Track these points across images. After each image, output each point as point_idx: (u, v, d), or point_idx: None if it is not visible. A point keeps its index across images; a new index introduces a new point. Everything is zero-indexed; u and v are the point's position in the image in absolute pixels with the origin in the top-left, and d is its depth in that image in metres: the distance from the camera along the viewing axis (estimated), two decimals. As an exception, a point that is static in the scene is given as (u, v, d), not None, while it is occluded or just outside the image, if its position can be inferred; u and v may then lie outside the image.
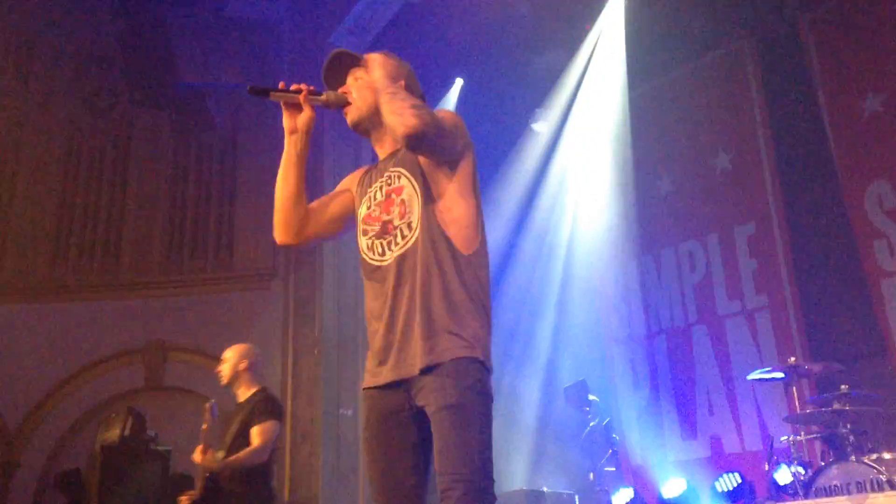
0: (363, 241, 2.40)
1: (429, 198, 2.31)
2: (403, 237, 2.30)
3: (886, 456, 4.20)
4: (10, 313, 7.84)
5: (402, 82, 2.41)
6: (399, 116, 2.21)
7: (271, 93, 2.38)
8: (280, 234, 2.49)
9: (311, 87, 2.43)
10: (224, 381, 4.62)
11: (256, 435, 4.31)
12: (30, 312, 7.88)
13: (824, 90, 6.75)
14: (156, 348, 7.95)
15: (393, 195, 2.36)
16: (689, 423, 6.99)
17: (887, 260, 6.12)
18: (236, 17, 7.74)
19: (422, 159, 2.34)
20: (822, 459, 4.63)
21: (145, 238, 8.38)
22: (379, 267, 2.34)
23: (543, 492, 6.44)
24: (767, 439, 5.29)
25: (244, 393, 4.58)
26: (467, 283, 2.26)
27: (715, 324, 7.05)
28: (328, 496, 7.00)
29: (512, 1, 7.29)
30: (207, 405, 4.45)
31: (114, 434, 6.39)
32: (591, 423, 6.33)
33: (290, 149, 2.46)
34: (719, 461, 6.60)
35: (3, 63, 8.57)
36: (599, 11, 7.64)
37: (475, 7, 7.30)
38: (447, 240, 2.27)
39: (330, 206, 2.54)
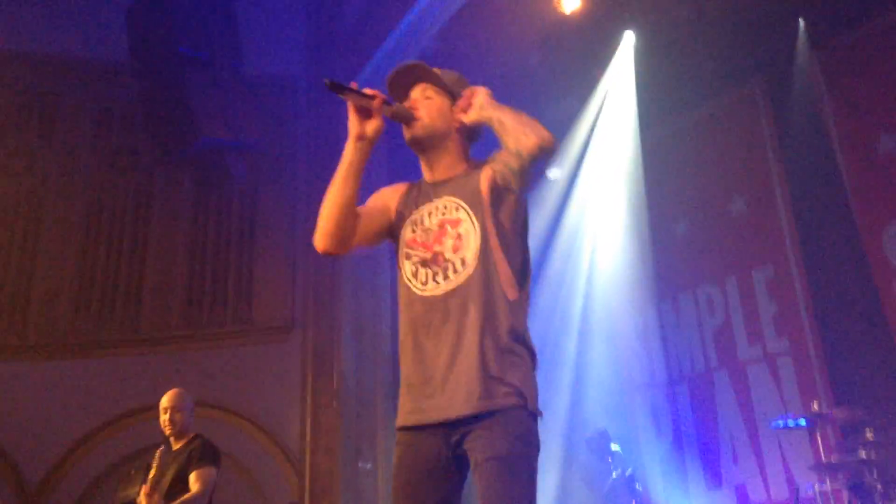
0: (407, 266, 2.33)
1: (487, 236, 2.26)
2: (455, 272, 2.24)
3: (915, 505, 4.12)
4: (33, 370, 7.90)
5: None
6: (534, 128, 2.20)
7: (346, 91, 2.26)
8: (325, 242, 2.33)
9: (385, 96, 2.34)
10: (177, 428, 4.62)
11: (195, 480, 4.33)
12: (51, 369, 7.92)
13: (838, 130, 6.75)
14: (176, 403, 7.95)
15: (448, 226, 2.30)
16: (713, 473, 6.88)
17: (907, 301, 6.05)
18: (254, 74, 7.90)
19: (487, 195, 2.29)
20: (850, 509, 4.54)
21: (165, 293, 8.45)
22: (423, 297, 2.26)
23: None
24: (793, 489, 5.20)
25: (180, 438, 4.60)
26: (517, 328, 2.22)
27: (736, 369, 6.97)
28: (349, 551, 6.92)
29: (523, 52, 7.40)
30: (158, 451, 4.44)
31: (134, 490, 6.38)
32: (614, 474, 6.24)
33: (353, 155, 2.32)
34: (745, 511, 6.49)
35: (27, 122, 8.76)
36: (610, 58, 7.70)
37: (487, 58, 7.40)
38: (500, 282, 2.23)
39: (376, 218, 2.42)
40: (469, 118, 2.35)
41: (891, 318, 6.11)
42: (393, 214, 2.43)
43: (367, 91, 2.30)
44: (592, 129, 8.00)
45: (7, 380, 7.79)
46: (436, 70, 2.46)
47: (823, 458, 4.71)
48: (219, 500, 7.29)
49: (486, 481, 2.06)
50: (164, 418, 4.66)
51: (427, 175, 2.45)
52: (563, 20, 6.85)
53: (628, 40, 7.52)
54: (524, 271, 2.32)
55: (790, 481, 6.17)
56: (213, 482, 4.43)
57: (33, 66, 8.83)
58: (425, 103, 2.39)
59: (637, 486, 6.28)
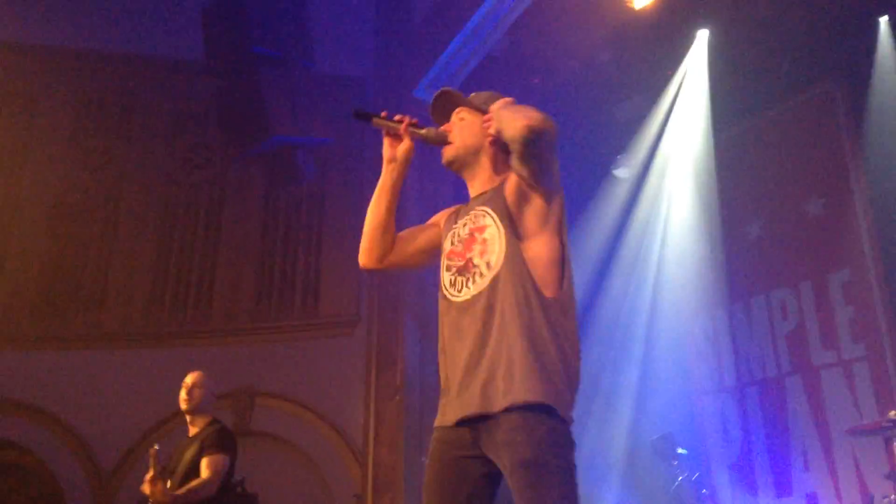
0: (445, 277, 2.41)
1: (514, 238, 2.29)
2: (481, 276, 2.30)
3: None
4: (109, 358, 8.19)
5: None
6: (524, 112, 2.24)
7: (374, 119, 2.45)
8: (364, 258, 2.57)
9: (414, 120, 2.49)
10: (193, 403, 4.59)
11: (206, 467, 4.33)
12: (126, 358, 8.20)
13: (920, 132, 6.51)
14: (244, 393, 8.14)
15: (476, 234, 2.37)
16: (783, 480, 6.68)
17: None
18: (324, 73, 8.02)
19: (511, 196, 2.34)
20: (928, 521, 4.37)
21: (236, 286, 8.66)
22: (455, 303, 2.33)
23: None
24: (867, 498, 5.03)
25: (200, 423, 4.59)
26: (554, 326, 2.21)
27: (810, 375, 6.76)
28: (410, 545, 6.96)
29: (594, 49, 7.30)
30: (152, 450, 4.32)
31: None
32: (680, 478, 6.13)
33: (386, 177, 2.53)
34: (816, 520, 6.30)
35: (108, 122, 9.10)
36: (683, 55, 7.55)
37: (556, 57, 7.35)
38: (532, 281, 2.24)
39: (418, 237, 2.60)
40: (493, 128, 2.41)
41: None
42: (440, 233, 2.56)
43: (397, 117, 2.48)
44: (663, 129, 7.86)
45: (83, 367, 8.10)
46: (471, 95, 2.56)
47: (900, 467, 4.55)
48: (284, 489, 7.48)
49: (518, 491, 2.08)
50: (182, 393, 4.65)
51: (470, 192, 2.56)
52: (634, 17, 6.74)
53: (702, 38, 7.36)
54: (559, 268, 2.31)
55: (863, 490, 5.97)
56: (225, 470, 4.43)
57: (112, 64, 9.17)
58: (458, 125, 2.50)
59: (703, 491, 6.16)
